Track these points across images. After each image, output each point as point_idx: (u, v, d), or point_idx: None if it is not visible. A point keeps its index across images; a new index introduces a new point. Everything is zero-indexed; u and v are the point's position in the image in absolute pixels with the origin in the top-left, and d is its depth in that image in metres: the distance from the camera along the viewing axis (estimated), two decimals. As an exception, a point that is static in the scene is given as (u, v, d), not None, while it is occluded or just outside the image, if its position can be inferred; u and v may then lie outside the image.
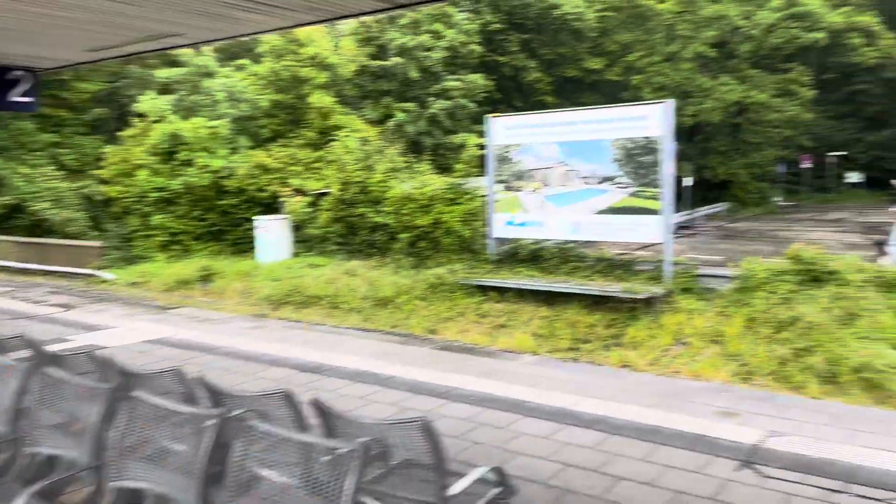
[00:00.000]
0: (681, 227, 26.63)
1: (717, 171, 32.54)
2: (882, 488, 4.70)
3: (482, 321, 13.41)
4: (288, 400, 3.85)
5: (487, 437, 5.99)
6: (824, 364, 9.61)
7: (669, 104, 12.89)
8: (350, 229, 18.00)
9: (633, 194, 13.36)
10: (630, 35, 29.94)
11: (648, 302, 12.38)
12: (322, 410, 3.64)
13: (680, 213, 26.99)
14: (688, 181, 27.86)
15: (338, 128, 21.55)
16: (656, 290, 12.53)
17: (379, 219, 17.08)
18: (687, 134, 34.47)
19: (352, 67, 25.25)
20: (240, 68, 23.92)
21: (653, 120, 13.00)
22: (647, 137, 13.09)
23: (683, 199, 28.87)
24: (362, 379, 8.08)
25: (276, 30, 7.79)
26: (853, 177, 44.87)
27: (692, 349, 11.15)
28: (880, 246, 13.17)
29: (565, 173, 14.29)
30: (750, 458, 5.42)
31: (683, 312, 12.03)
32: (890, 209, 33.20)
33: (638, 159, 13.30)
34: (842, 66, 42.58)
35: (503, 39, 27.61)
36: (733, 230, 26.40)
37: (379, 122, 24.23)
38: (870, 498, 4.56)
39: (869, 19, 34.62)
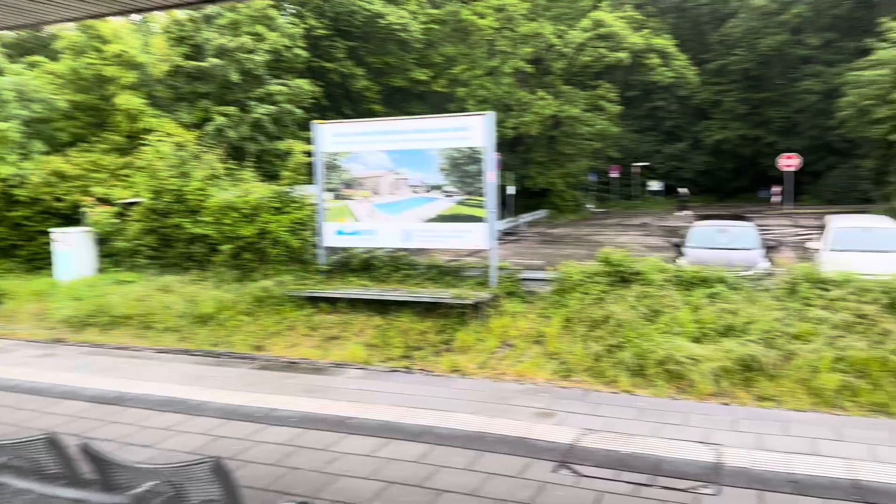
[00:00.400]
0: (506, 234, 27.78)
1: (537, 180, 34.46)
2: (684, 478, 5.00)
3: (313, 334, 12.89)
4: (54, 446, 3.23)
5: (307, 462, 5.62)
6: (633, 358, 10.26)
7: (490, 116, 13.23)
8: (164, 241, 16.59)
9: (460, 202, 13.57)
10: (454, 48, 30.86)
11: (476, 307, 12.60)
12: (94, 457, 3.09)
13: (505, 220, 28.17)
14: (511, 190, 29.18)
15: (148, 131, 19.87)
16: (484, 294, 12.79)
17: (197, 229, 15.89)
18: (510, 145, 36.15)
19: (164, 67, 23.47)
20: (33, 66, 21.30)
21: (476, 131, 13.27)
22: (471, 147, 13.35)
23: (507, 206, 30.18)
24: (170, 407, 7.33)
25: (66, 20, 6.85)
26: (654, 185, 49.65)
27: (517, 350, 11.47)
28: (678, 248, 14.44)
29: (395, 182, 14.19)
30: (566, 457, 5.56)
31: (508, 315, 12.38)
32: (676, 213, 36.88)
33: (463, 168, 13.52)
34: (643, 84, 47.14)
35: (329, 45, 27.22)
36: (552, 235, 28.00)
37: (196, 126, 22.73)
38: (673, 489, 4.84)
39: (664, 42, 38.54)
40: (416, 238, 13.90)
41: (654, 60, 37.73)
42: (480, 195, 13.30)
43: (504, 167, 31.93)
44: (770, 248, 14.08)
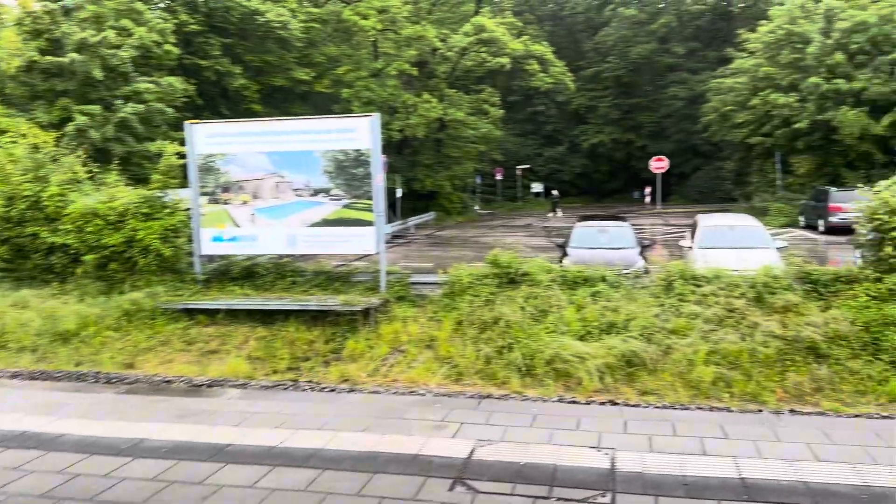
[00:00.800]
0: (395, 237, 27.55)
1: (425, 183, 34.49)
2: (580, 487, 4.94)
3: (190, 348, 12.03)
4: None
5: (179, 499, 5.07)
6: (523, 359, 10.30)
7: (376, 117, 12.92)
8: (18, 252, 14.99)
9: (347, 206, 13.15)
10: (337, 48, 30.29)
11: (366, 313, 12.25)
12: None
13: (393, 224, 27.95)
14: (399, 192, 29.00)
15: (0, 132, 17.92)
16: (373, 300, 12.46)
17: (56, 239, 14.45)
18: (396, 147, 35.97)
19: (16, 63, 21.32)
20: None
21: (362, 132, 12.91)
22: (357, 150, 12.97)
23: (396, 209, 29.96)
24: (20, 442, 6.47)
25: None
26: (536, 187, 51.16)
27: (408, 356, 11.23)
28: (562, 248, 14.73)
29: (277, 185, 13.55)
30: (462, 473, 5.37)
31: (399, 320, 12.12)
32: (549, 215, 38.09)
33: (350, 171, 13.12)
34: (524, 90, 48.52)
35: (203, 42, 25.83)
36: (441, 238, 28.06)
37: (55, 126, 20.79)
38: (570, 500, 4.76)
39: (543, 49, 39.75)
40: (301, 244, 13.33)
41: (534, 66, 38.84)
42: (368, 198, 12.96)
43: (391, 169, 31.71)
44: (645, 247, 14.69)
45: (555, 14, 56.82)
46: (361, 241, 13.00)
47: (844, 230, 22.33)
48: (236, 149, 13.59)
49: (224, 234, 13.73)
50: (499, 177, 47.05)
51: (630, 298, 11.17)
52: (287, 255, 14.15)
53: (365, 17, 29.30)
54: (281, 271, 13.79)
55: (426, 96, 31.36)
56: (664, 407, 8.33)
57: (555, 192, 40.38)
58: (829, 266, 16.57)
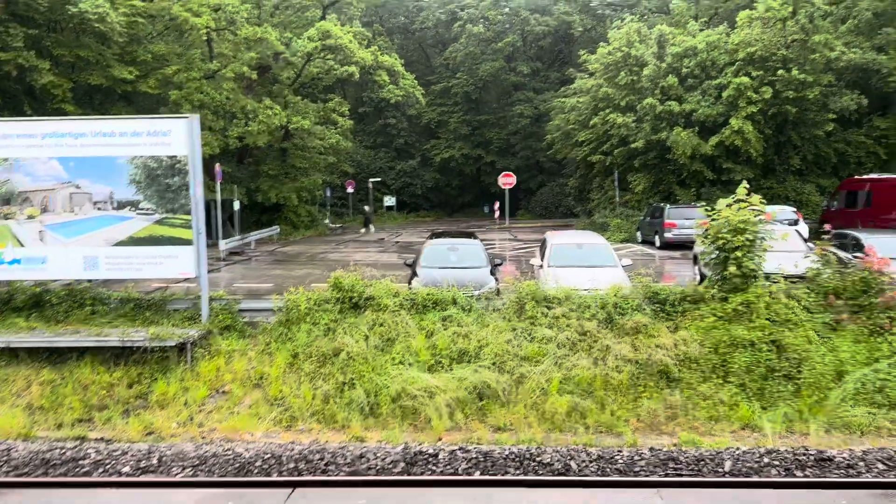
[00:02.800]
0: (233, 254, 25.38)
1: (269, 195, 32.43)
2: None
3: (-48, 398, 9.75)
4: None
5: None
6: (366, 397, 9.21)
7: (194, 119, 11.31)
8: None
9: (160, 222, 11.39)
10: (165, 46, 27.66)
11: (182, 348, 10.56)
12: None
13: (231, 239, 25.75)
14: (237, 204, 26.85)
15: None
16: (192, 332, 10.79)
17: None
18: (237, 156, 33.56)
19: None
20: None
21: (177, 136, 11.24)
22: (171, 156, 11.29)
23: (235, 223, 27.74)
24: None
25: None
26: (389, 200, 50.42)
27: (232, 398, 9.75)
28: (411, 267, 13.82)
29: (72, 197, 11.49)
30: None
31: (223, 355, 10.58)
32: (362, 230, 37.45)
33: (163, 181, 11.38)
34: (375, 102, 47.67)
35: (3, 32, 22.34)
36: (285, 254, 26.28)
37: None
38: None
39: (392, 60, 39.16)
40: (103, 266, 11.35)
41: (383, 78, 38.10)
42: (185, 213, 11.28)
43: (230, 180, 29.40)
44: (497, 266, 14.18)
45: (405, 27, 56.71)
46: (178, 263, 11.27)
47: (679, 245, 23.50)
48: (19, 153, 11.38)
49: (4, 255, 11.42)
50: (350, 189, 45.73)
51: (482, 323, 10.47)
52: (87, 280, 12.07)
53: (197, 15, 26.98)
54: (78, 299, 11.69)
55: (268, 102, 29.49)
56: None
57: (367, 209, 39.63)
58: (665, 282, 17.03)
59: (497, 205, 42.38)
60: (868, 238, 13.76)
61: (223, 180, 25.87)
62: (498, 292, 12.28)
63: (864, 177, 25.85)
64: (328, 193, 43.04)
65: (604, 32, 39.25)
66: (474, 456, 7.58)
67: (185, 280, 13.96)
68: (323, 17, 36.95)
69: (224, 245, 24.30)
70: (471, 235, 16.04)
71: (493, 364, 9.54)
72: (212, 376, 10.16)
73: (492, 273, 13.34)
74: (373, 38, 43.65)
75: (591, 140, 34.87)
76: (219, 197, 24.30)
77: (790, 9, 27.55)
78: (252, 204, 33.06)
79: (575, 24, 49.58)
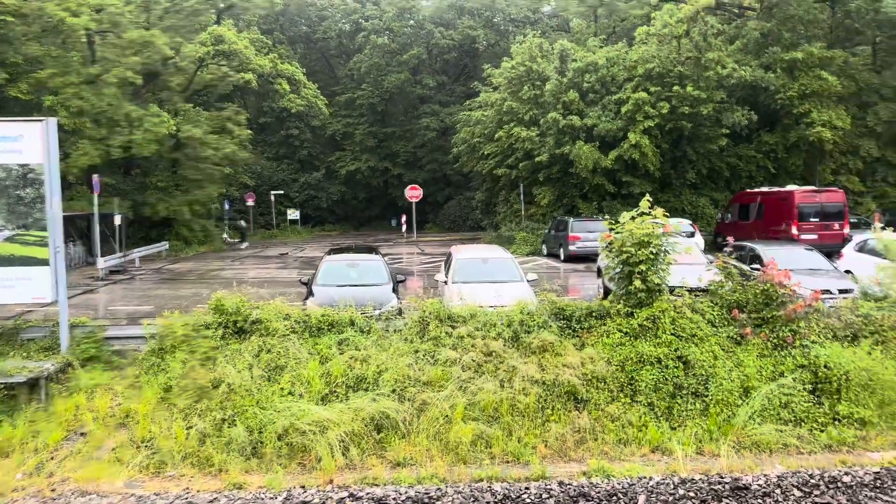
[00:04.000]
0: (114, 272, 23.41)
1: (158, 208, 30.33)
2: None
3: None
4: None
5: None
6: (248, 435, 8.24)
7: (51, 122, 10.01)
8: None
9: (9, 239, 9.99)
10: (41, 48, 25.37)
11: (35, 384, 9.21)
12: None
13: (112, 256, 23.79)
14: (118, 219, 24.81)
15: None
16: (47, 365, 9.47)
17: None
18: (122, 167, 31.28)
19: None
20: None
21: (30, 141, 9.91)
22: (23, 165, 9.92)
23: (116, 238, 25.66)
24: None
25: None
26: (292, 214, 48.75)
27: (92, 441, 8.52)
28: (307, 285, 12.89)
29: None
30: None
31: (84, 391, 9.31)
32: (240, 246, 36.20)
33: (13, 193, 9.99)
34: (276, 111, 46.00)
35: None
36: (174, 272, 24.52)
37: None
38: None
39: (293, 69, 37.93)
40: (-62, 291, 9.79)
41: (283, 86, 36.79)
42: (41, 229, 9.94)
43: (114, 192, 27.26)
44: (400, 282, 13.49)
45: (307, 36, 55.34)
46: (31, 286, 9.90)
47: (583, 258, 23.62)
48: None
49: None
50: (250, 202, 43.85)
51: (382, 346, 9.73)
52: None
53: (76, 15, 24.91)
54: None
55: (154, 109, 27.57)
56: None
57: (242, 223, 38.12)
58: (571, 295, 16.86)
59: (404, 218, 41.86)
60: (766, 250, 14.06)
61: (103, 192, 23.90)
62: (400, 311, 11.61)
63: (755, 190, 27.07)
64: (226, 207, 41.03)
65: (507, 47, 39.64)
66: None
67: (45, 306, 12.47)
68: (218, 23, 35.26)
69: (103, 263, 22.36)
70: (373, 250, 15.27)
71: (393, 391, 8.82)
72: (69, 416, 8.89)
73: (394, 290, 12.66)
74: (273, 46, 42.20)
75: (496, 153, 34.94)
76: (96, 210, 22.32)
77: (684, 27, 28.58)
78: (140, 218, 30.86)
79: (479, 39, 49.97)
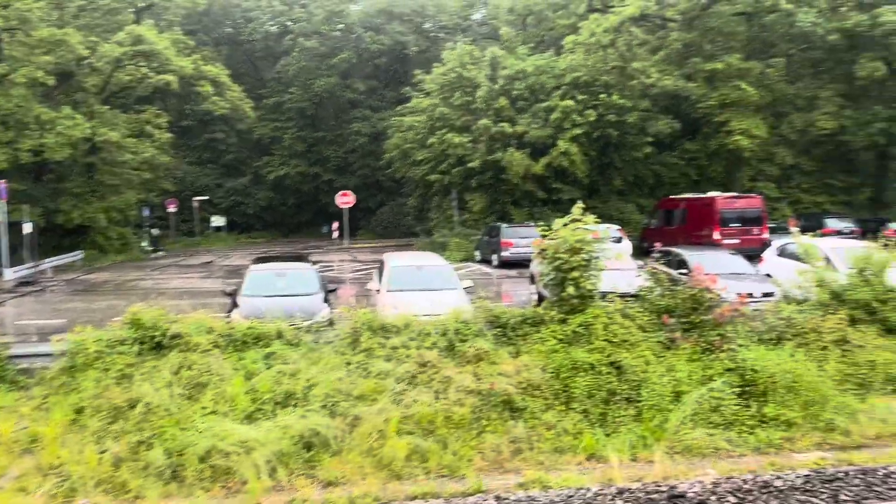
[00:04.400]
0: (23, 283, 22.04)
1: (72, 216, 28.78)
2: None
3: None
4: None
5: None
6: (166, 458, 7.75)
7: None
8: None
9: None
10: (-63, 43, 23.70)
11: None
12: None
13: (22, 266, 22.41)
14: (28, 227, 23.37)
15: None
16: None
17: None
18: (32, 172, 29.55)
19: None
20: None
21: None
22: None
23: (25, 248, 24.17)
24: None
25: None
26: (217, 220, 47.30)
27: (-7, 471, 7.82)
28: (232, 297, 12.39)
29: None
30: None
31: (-16, 416, 8.55)
32: (160, 253, 35.17)
33: None
34: (199, 114, 44.52)
35: None
36: (89, 283, 23.27)
37: None
38: None
39: (217, 70, 36.79)
40: None
41: (207, 88, 35.62)
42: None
43: (21, 198, 25.66)
44: (331, 292, 13.15)
45: (232, 38, 53.87)
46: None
47: (516, 264, 23.78)
48: None
49: None
50: (172, 209, 42.25)
51: (312, 360, 9.39)
52: None
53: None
54: None
55: (67, 111, 26.13)
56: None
57: (154, 231, 36.58)
58: (504, 301, 16.89)
59: (336, 225, 41.26)
60: (692, 255, 14.45)
61: (12, 199, 22.46)
62: (332, 322, 11.31)
63: (680, 196, 27.99)
64: (146, 213, 39.37)
65: (438, 53, 39.76)
66: (291, 532, 6.47)
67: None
68: (137, 22, 33.85)
69: (12, 274, 21.06)
70: (302, 258, 14.87)
71: (324, 406, 8.50)
72: (-32, 444, 8.15)
73: (325, 300, 12.34)
74: (196, 48, 40.82)
75: (429, 159, 34.93)
76: (4, 218, 20.97)
77: (610, 37, 29.31)
78: (52, 226, 29.21)
79: (410, 45, 49.93)
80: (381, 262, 14.62)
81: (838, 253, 13.22)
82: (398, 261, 14.21)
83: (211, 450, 7.72)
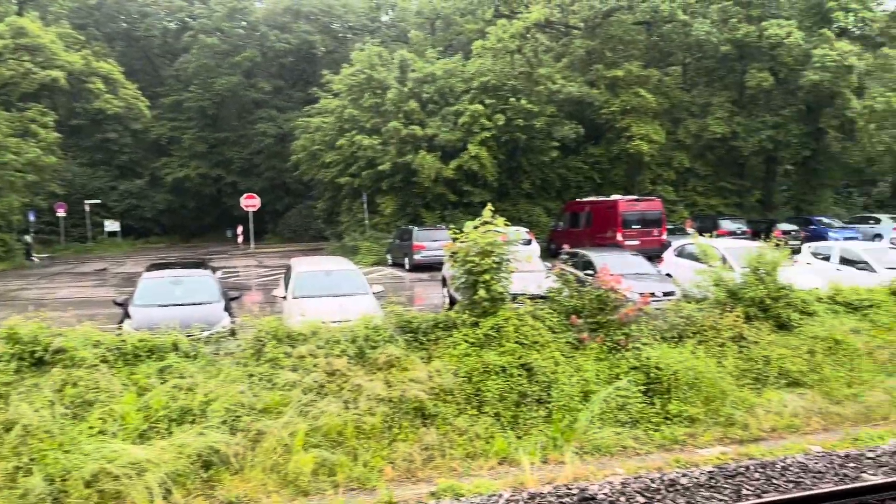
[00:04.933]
0: None
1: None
2: None
3: None
4: None
5: None
6: (48, 484, 7.11)
7: None
8: None
9: None
10: None
11: None
12: None
13: None
14: None
15: None
16: None
17: None
18: None
19: None
20: None
21: None
22: None
23: None
24: None
25: None
26: (111, 225, 44.75)
27: None
28: (123, 306, 11.61)
29: None
30: None
31: None
32: (35, 260, 33.40)
33: None
34: (91, 113, 41.85)
35: None
36: (-37, 294, 21.36)
37: None
38: None
39: (110, 67, 34.79)
40: None
41: (98, 85, 33.56)
42: None
43: None
44: (233, 300, 12.56)
45: (127, 33, 51.05)
46: None
47: (428, 267, 23.70)
48: None
49: None
50: (61, 213, 39.59)
51: (211, 373, 8.88)
52: None
53: None
54: None
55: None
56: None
57: (27, 238, 34.50)
58: (417, 304, 16.78)
59: (241, 229, 39.88)
60: (597, 256, 14.81)
61: None
62: (233, 332, 10.78)
63: (585, 199, 28.79)
64: (31, 218, 36.64)
65: (346, 54, 39.25)
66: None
67: None
68: (20, 14, 31.47)
69: None
70: (201, 264, 14.16)
71: (224, 422, 8.05)
72: None
73: (226, 309, 11.77)
74: (87, 43, 38.43)
75: (338, 161, 34.39)
76: None
77: (517, 43, 29.80)
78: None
79: (317, 44, 49.04)
80: (288, 268, 14.15)
81: (733, 253, 13.92)
82: (305, 266, 13.79)
83: (98, 473, 7.15)
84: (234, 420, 8.06)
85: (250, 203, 38.23)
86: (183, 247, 43.94)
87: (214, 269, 14.42)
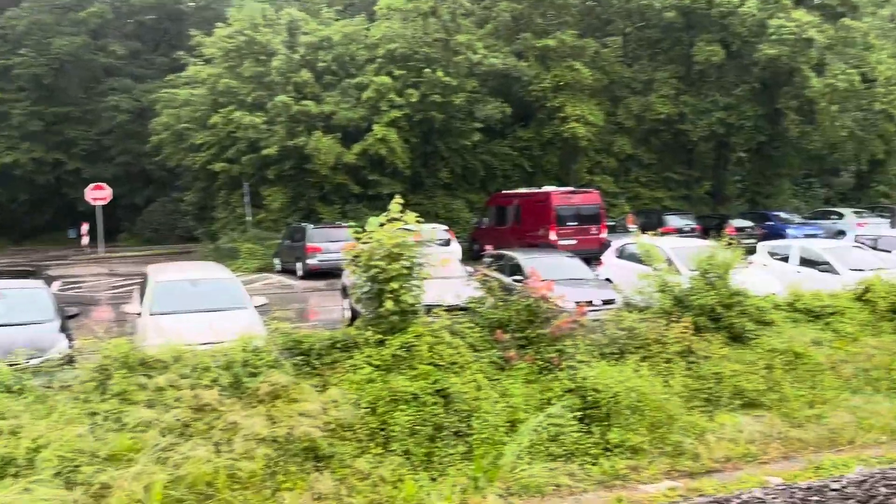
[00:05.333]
0: None
1: None
2: None
3: None
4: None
5: None
6: None
7: None
8: None
9: None
10: None
11: None
12: None
13: None
14: None
15: None
16: None
17: None
18: None
19: None
20: None
21: None
22: None
23: None
24: None
25: None
26: None
27: None
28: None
29: None
30: None
31: None
32: None
33: None
34: None
35: None
36: None
37: None
38: None
39: None
40: None
41: None
42: None
43: None
44: (71, 317, 12.02)
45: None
46: None
47: (326, 273, 23.37)
48: None
49: None
50: None
51: (41, 412, 8.44)
52: None
53: None
54: None
55: None
56: None
57: None
58: (311, 318, 16.51)
59: (86, 227, 38.34)
60: (527, 259, 15.02)
61: None
62: (71, 359, 10.30)
63: (512, 191, 29.22)
64: None
65: (222, 12, 38.41)
66: None
67: None
68: None
69: None
70: (30, 274, 13.49)
71: (58, 474, 7.65)
72: None
73: (63, 329, 11.25)
74: None
75: (211, 143, 33.60)
76: None
77: (431, 3, 29.93)
78: None
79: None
80: (144, 277, 13.66)
81: (680, 253, 14.41)
82: (166, 274, 13.37)
83: None
84: (70, 471, 7.67)
85: (98, 195, 36.78)
86: (13, 251, 41.89)
87: (50, 280, 13.78)
